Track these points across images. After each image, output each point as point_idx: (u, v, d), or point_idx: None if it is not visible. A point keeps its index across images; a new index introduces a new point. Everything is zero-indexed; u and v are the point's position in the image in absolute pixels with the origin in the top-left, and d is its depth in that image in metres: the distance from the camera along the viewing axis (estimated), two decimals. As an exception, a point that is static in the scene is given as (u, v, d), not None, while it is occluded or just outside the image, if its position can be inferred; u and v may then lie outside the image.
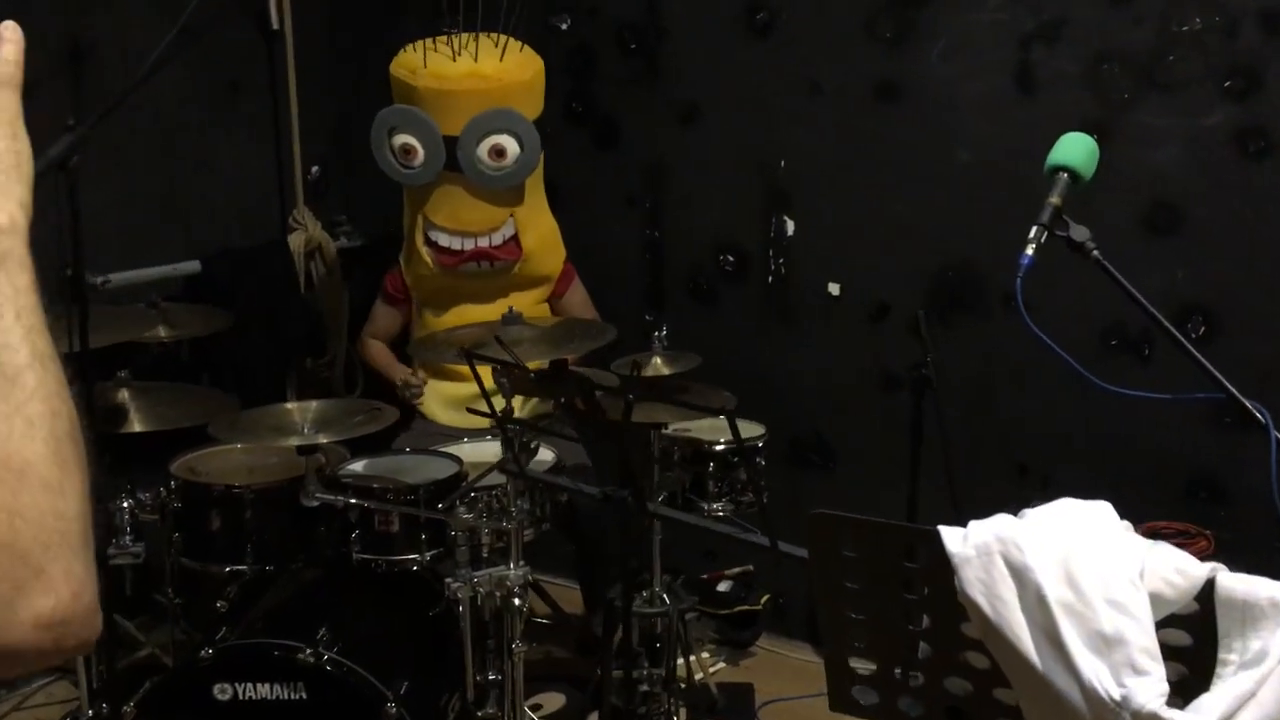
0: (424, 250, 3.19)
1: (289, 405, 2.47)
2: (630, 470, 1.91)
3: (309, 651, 2.21)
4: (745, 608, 3.48)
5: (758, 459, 3.03)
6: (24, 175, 0.79)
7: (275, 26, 2.50)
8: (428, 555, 2.51)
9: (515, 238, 3.17)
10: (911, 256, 3.18)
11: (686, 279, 3.54)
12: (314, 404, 2.45)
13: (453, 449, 2.79)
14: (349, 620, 2.41)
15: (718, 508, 3.00)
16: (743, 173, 3.38)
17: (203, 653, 2.22)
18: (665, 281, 3.59)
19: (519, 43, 3.21)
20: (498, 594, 2.47)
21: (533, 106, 3.13)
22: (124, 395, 2.78)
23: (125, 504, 2.53)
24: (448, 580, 2.39)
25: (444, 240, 3.15)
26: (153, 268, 3.45)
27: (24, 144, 0.80)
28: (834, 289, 3.31)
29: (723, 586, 3.53)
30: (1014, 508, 1.30)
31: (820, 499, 3.53)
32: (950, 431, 2.82)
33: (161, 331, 3.29)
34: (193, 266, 3.55)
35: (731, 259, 3.45)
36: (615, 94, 3.56)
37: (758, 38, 3.28)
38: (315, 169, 3.94)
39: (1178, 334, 1.63)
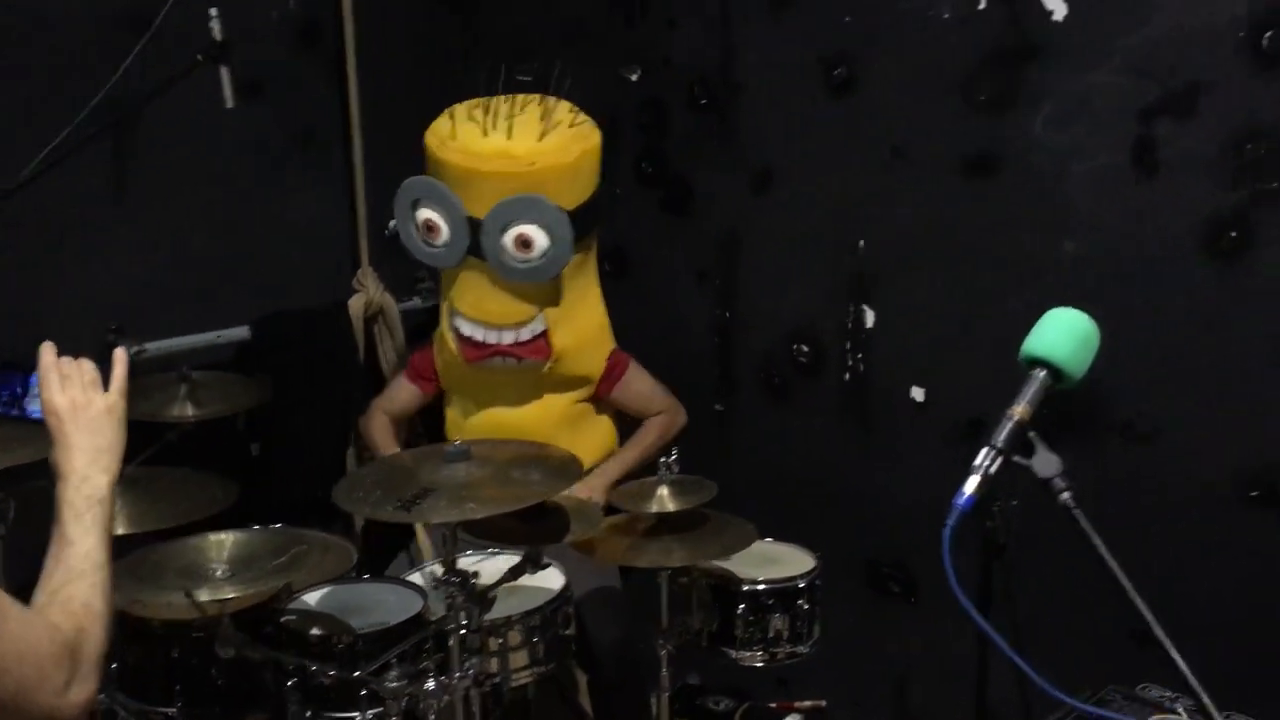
0: (449, 336, 2.88)
1: (210, 538, 2.20)
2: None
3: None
4: (808, 753, 3.01)
5: (800, 601, 2.57)
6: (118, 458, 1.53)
7: (230, 105, 2.22)
8: (369, 715, 2.21)
9: (545, 334, 2.80)
10: (1010, 364, 2.61)
11: (758, 368, 3.09)
12: (231, 537, 2.17)
13: (425, 574, 2.48)
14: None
15: (748, 656, 2.57)
16: (820, 250, 2.90)
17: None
18: (735, 370, 3.14)
19: (572, 115, 2.76)
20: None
21: (574, 193, 2.70)
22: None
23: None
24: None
25: (467, 329, 2.82)
26: (196, 335, 3.30)
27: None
28: (918, 394, 2.78)
29: (788, 722, 3.07)
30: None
31: (896, 633, 3.03)
32: (1018, 603, 2.28)
33: (188, 409, 3.12)
34: (241, 333, 3.38)
35: (806, 349, 2.97)
36: (687, 154, 3.13)
37: (835, 96, 2.78)
38: (393, 223, 3.72)
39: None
